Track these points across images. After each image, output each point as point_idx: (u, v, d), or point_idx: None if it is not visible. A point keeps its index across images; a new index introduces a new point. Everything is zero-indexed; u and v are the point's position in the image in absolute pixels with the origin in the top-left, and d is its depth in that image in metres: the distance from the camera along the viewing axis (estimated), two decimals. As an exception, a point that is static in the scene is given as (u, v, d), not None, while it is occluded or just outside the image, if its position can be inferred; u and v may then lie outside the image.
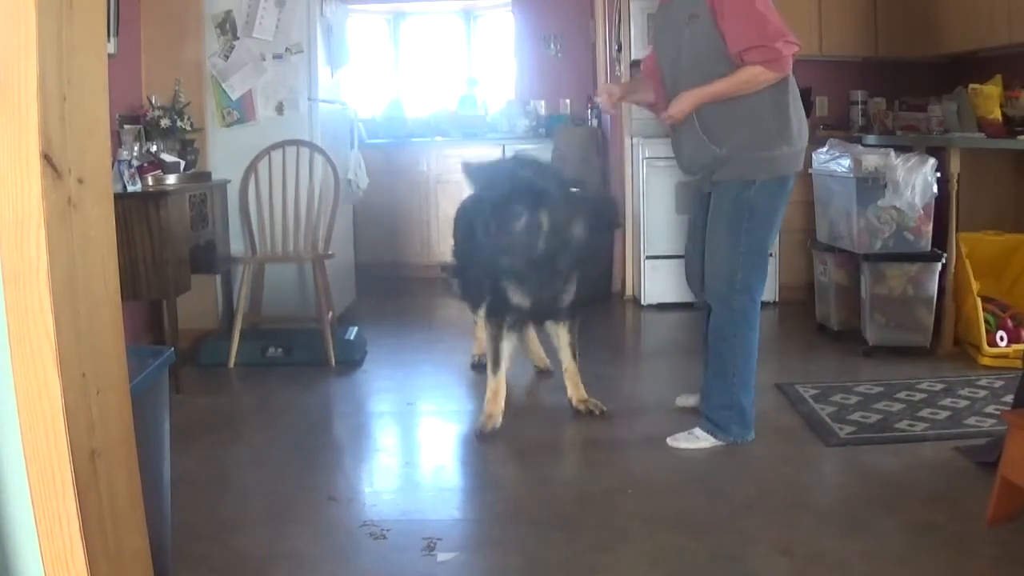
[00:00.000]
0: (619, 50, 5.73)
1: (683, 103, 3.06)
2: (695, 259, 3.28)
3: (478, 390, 3.94)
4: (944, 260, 4.16)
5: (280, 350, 4.34)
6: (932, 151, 4.32)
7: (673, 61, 3.15)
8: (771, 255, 5.19)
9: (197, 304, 4.52)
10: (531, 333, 3.95)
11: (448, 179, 6.78)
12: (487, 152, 6.79)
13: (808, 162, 4.85)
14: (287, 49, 4.70)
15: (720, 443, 3.15)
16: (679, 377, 4.07)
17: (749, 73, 2.97)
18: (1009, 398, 3.18)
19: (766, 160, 3.02)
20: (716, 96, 3.02)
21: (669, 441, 3.19)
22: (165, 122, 4.37)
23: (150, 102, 4.45)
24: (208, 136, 4.71)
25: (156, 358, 2.02)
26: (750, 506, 2.66)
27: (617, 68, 5.81)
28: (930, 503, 2.62)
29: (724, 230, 3.08)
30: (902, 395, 3.60)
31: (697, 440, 3.17)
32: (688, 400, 3.55)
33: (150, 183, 3.97)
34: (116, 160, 3.82)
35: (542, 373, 4.06)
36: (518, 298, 3.42)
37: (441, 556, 2.39)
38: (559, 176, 3.50)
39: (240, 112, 4.74)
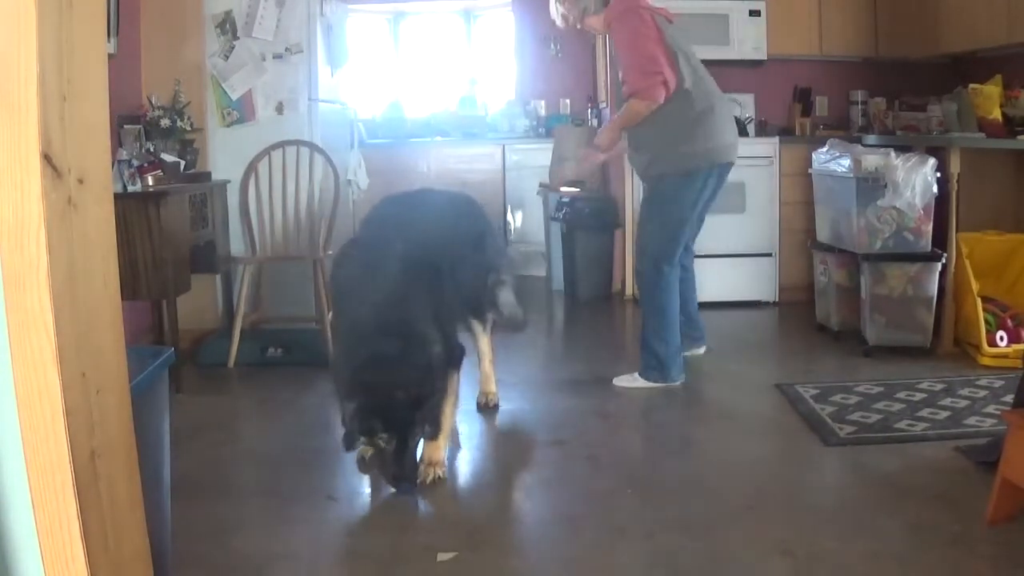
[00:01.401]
0: (619, 50, 5.73)
1: (601, 136, 3.89)
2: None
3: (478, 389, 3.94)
4: (944, 260, 4.16)
5: (280, 350, 4.34)
6: (932, 151, 4.32)
7: (615, 92, 4.00)
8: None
9: (197, 304, 4.52)
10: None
11: (448, 179, 6.78)
12: (487, 152, 6.81)
13: (808, 162, 4.87)
14: (287, 49, 4.70)
15: (649, 384, 3.82)
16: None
17: (627, 106, 3.67)
18: (1009, 398, 3.18)
19: (673, 158, 3.69)
20: (619, 127, 3.76)
21: (615, 381, 3.87)
22: (165, 122, 4.37)
23: (150, 102, 4.45)
24: (208, 136, 4.71)
25: (156, 358, 2.02)
26: (750, 506, 2.66)
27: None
28: (930, 503, 2.62)
29: (643, 214, 3.88)
30: (902, 395, 3.60)
31: (627, 380, 3.87)
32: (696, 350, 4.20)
33: (150, 183, 3.96)
34: (116, 160, 3.82)
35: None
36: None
37: (441, 556, 2.38)
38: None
39: (240, 112, 4.74)
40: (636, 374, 3.88)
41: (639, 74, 3.61)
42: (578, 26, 3.92)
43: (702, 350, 4.26)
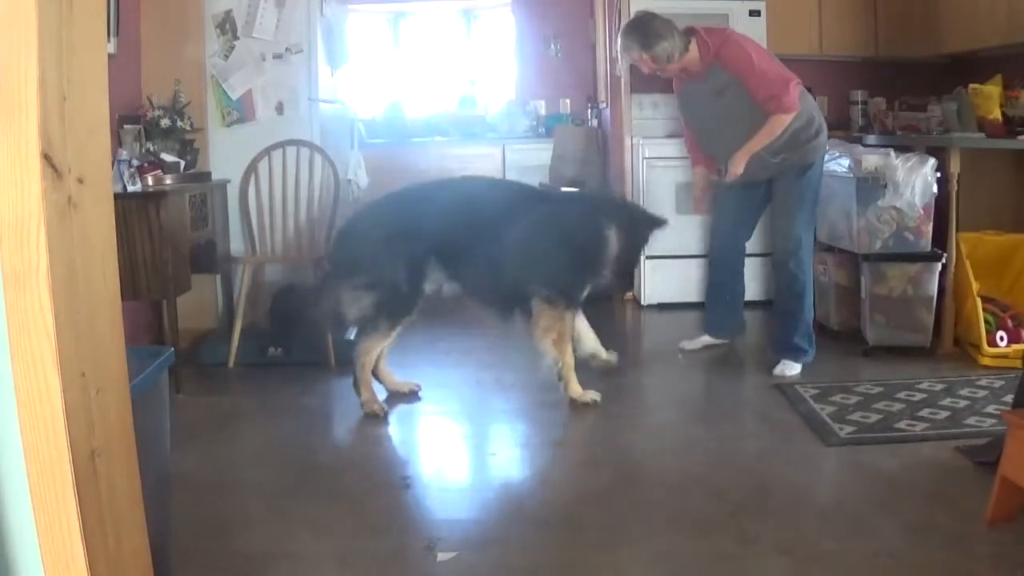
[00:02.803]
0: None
1: (739, 162, 3.88)
2: (726, 222, 4.25)
3: (479, 389, 3.95)
4: (944, 260, 4.16)
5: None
6: (932, 151, 4.31)
7: (715, 127, 3.99)
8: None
9: (197, 304, 4.52)
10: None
11: (448, 179, 6.78)
12: (487, 152, 6.81)
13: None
14: (287, 49, 4.70)
15: (806, 363, 3.97)
16: (679, 376, 4.07)
17: (775, 122, 3.78)
18: (1009, 398, 3.18)
19: (812, 148, 3.92)
20: (760, 146, 3.83)
21: (775, 371, 3.93)
22: (165, 122, 4.37)
23: (150, 102, 4.45)
24: (208, 136, 4.71)
25: (156, 358, 2.02)
26: (750, 506, 2.66)
27: (617, 68, 5.81)
28: (930, 503, 2.62)
29: (794, 207, 3.96)
30: (902, 395, 3.60)
31: (793, 368, 3.95)
32: (691, 344, 4.39)
33: (150, 183, 3.97)
34: (116, 160, 3.82)
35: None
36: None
37: (441, 556, 2.39)
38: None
39: (240, 112, 4.74)
40: (787, 361, 3.97)
41: (785, 90, 3.75)
42: (659, 73, 3.94)
43: (728, 339, 4.45)
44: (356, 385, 3.63)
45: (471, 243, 3.58)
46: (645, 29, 3.78)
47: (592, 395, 3.66)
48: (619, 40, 3.93)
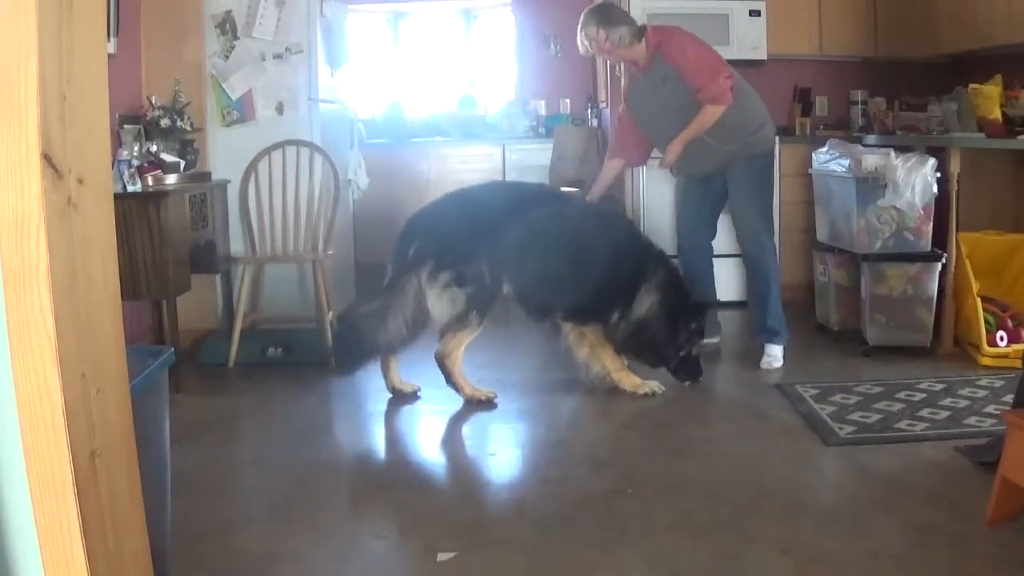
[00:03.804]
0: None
1: (674, 151, 4.10)
2: (688, 217, 4.42)
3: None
4: (944, 260, 4.16)
5: (280, 350, 4.34)
6: (932, 151, 4.31)
7: (655, 116, 4.17)
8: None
9: (197, 304, 4.52)
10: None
11: (448, 179, 6.78)
12: (487, 152, 6.81)
13: (808, 162, 4.88)
14: (287, 49, 4.70)
15: (783, 345, 4.14)
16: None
17: (705, 112, 3.99)
18: (1009, 398, 3.18)
19: (755, 140, 4.10)
20: (693, 136, 4.02)
21: (762, 362, 4.10)
22: (165, 122, 4.37)
23: (150, 102, 4.45)
24: (208, 136, 4.71)
25: (156, 358, 2.02)
26: (750, 506, 2.66)
27: (617, 68, 5.81)
28: (930, 503, 2.62)
29: (746, 195, 4.13)
30: (902, 395, 3.60)
31: (776, 357, 4.12)
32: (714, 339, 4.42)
33: (150, 183, 3.97)
34: (116, 160, 3.82)
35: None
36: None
37: (441, 556, 2.38)
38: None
39: (240, 112, 4.74)
40: (772, 347, 4.12)
41: (714, 81, 3.95)
42: (608, 58, 4.27)
43: (718, 339, 4.47)
44: (452, 384, 3.71)
45: (520, 248, 3.69)
46: (607, 11, 4.14)
47: (652, 385, 3.77)
48: (581, 18, 4.15)
